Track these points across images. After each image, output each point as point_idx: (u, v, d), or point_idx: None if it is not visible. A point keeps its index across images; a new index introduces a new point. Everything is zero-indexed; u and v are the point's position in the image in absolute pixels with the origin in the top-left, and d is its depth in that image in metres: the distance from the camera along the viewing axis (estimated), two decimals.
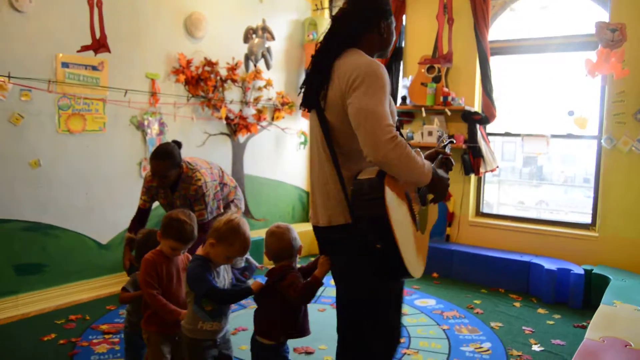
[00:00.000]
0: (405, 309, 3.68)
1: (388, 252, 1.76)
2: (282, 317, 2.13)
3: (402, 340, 2.18)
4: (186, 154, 3.41)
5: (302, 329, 2.19)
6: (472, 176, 5.43)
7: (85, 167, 4.34)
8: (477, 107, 5.38)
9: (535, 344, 3.52)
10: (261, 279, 2.20)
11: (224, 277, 2.25)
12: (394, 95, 5.63)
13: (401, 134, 1.82)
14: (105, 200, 4.46)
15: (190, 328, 2.18)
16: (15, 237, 3.95)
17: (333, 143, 1.93)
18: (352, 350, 2.07)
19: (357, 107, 1.78)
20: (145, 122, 4.71)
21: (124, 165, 4.58)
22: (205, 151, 5.21)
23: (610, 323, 3.01)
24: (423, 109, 5.36)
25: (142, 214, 3.31)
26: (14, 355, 3.10)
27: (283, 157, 6.27)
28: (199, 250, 2.19)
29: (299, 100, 2.12)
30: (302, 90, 2.09)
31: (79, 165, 4.30)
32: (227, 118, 5.38)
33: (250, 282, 2.30)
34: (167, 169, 3.02)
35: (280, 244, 2.17)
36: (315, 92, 1.96)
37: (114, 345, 3.31)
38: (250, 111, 5.69)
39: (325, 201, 1.98)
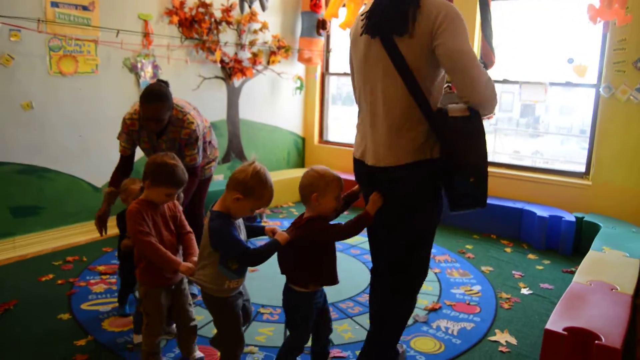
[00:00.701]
0: None
1: (478, 185, 1.91)
2: (307, 266, 2.13)
3: None
4: (182, 97, 3.36)
5: (331, 278, 2.18)
6: None
7: (78, 109, 4.29)
8: (475, 53, 5.28)
9: (524, 287, 3.60)
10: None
11: (243, 230, 2.17)
12: None
13: None
14: (99, 143, 4.43)
15: (217, 288, 2.10)
16: (11, 179, 3.95)
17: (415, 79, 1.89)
18: (400, 281, 2.20)
19: (452, 49, 1.80)
20: (139, 65, 4.63)
21: (118, 108, 4.50)
22: (200, 95, 5.15)
23: (598, 268, 3.07)
24: None
25: (126, 162, 3.03)
26: (13, 295, 3.15)
27: (279, 102, 6.21)
28: (216, 206, 2.08)
29: (355, 30, 2.04)
30: (369, 16, 1.98)
31: (72, 108, 4.25)
32: (222, 61, 5.29)
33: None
34: (164, 112, 2.75)
35: (301, 185, 2.13)
36: (397, 22, 1.87)
37: (111, 285, 3.37)
38: (246, 54, 5.59)
39: (393, 140, 1.97)
